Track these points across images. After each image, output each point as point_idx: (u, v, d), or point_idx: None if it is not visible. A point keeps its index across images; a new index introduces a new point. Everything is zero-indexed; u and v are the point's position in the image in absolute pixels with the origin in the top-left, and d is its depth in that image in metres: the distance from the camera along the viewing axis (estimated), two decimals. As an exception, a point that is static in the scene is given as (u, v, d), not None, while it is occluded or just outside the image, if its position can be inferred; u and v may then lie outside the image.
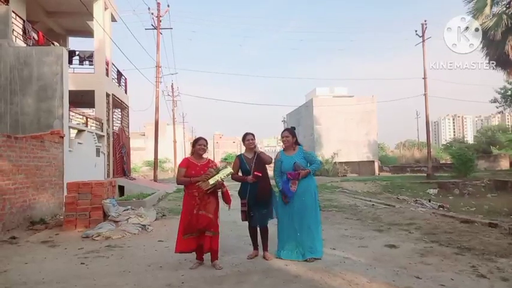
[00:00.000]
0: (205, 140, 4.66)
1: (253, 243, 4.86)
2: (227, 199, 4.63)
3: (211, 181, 4.26)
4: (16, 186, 7.22)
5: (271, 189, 4.80)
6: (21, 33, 10.57)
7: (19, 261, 4.83)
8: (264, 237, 4.75)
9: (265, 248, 4.75)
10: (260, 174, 4.63)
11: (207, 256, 4.52)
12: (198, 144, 4.57)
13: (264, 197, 4.66)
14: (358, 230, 6.73)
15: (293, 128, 5.08)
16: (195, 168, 4.47)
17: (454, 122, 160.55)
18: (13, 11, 9.95)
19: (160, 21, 22.27)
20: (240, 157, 4.87)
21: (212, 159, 4.82)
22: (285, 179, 4.70)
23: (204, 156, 4.68)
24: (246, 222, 4.79)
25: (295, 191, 4.60)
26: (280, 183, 4.75)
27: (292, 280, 3.88)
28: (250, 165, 4.70)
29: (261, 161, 4.75)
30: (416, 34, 23.80)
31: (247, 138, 4.82)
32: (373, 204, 10.87)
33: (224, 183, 4.51)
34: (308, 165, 4.73)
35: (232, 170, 4.54)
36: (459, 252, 4.90)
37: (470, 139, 68.09)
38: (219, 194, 4.59)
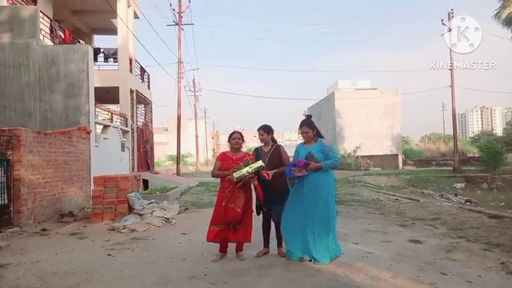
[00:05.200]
0: (240, 133, 4.63)
1: (265, 240, 4.68)
2: (258, 193, 4.47)
3: (236, 175, 4.20)
4: (46, 180, 7.51)
5: (287, 187, 4.54)
6: (49, 32, 10.89)
7: (50, 252, 5.03)
8: (279, 232, 4.58)
9: (279, 244, 4.62)
10: (268, 177, 4.30)
11: (230, 249, 4.57)
12: (232, 139, 4.58)
13: (276, 194, 4.44)
14: (381, 224, 6.64)
15: (309, 117, 4.72)
16: (228, 161, 4.50)
17: (482, 114, 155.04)
18: (41, 11, 10.25)
19: (182, 17, 22.51)
20: (256, 150, 4.78)
21: (250, 153, 4.68)
22: (291, 164, 4.37)
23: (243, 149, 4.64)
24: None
25: (301, 177, 4.23)
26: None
27: (314, 274, 3.87)
28: (264, 159, 4.53)
29: (276, 155, 4.57)
30: (443, 23, 23.05)
31: (259, 133, 4.65)
32: (396, 199, 10.68)
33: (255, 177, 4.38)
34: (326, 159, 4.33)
35: (263, 164, 4.36)
36: (487, 249, 4.76)
37: (499, 131, 65.59)
38: (252, 188, 4.49)
